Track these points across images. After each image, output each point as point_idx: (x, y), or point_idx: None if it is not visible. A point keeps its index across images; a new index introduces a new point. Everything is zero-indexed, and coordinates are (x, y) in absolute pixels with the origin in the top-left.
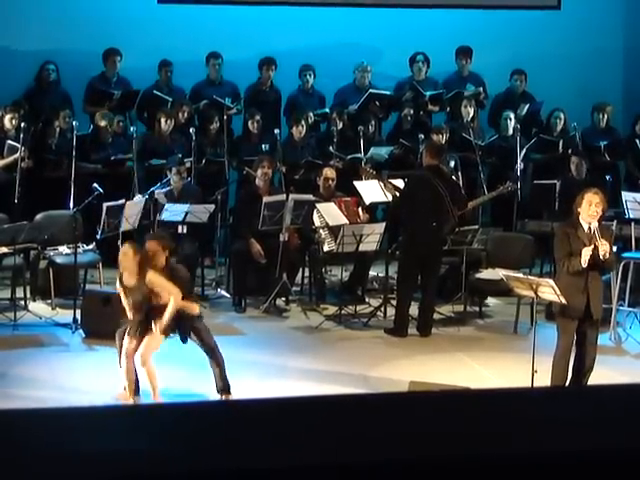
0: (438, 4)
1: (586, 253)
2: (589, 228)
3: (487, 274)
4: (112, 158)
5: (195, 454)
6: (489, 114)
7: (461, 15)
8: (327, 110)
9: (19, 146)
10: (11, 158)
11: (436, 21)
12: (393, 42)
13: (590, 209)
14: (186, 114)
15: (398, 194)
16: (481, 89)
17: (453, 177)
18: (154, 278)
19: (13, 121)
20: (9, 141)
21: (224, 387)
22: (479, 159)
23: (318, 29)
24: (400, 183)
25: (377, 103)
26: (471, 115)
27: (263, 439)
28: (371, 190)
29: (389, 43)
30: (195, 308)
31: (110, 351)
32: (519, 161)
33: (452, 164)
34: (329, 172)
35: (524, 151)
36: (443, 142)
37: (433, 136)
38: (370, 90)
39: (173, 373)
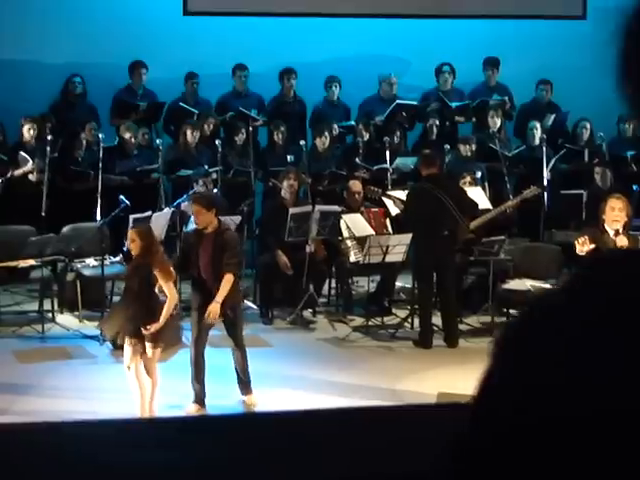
0: (463, 14)
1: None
2: (615, 234)
3: (514, 285)
4: (138, 169)
5: (226, 467)
6: (515, 124)
7: (486, 25)
8: (353, 122)
9: (29, 159)
10: (20, 170)
11: (461, 31)
12: (419, 52)
13: (613, 214)
14: (212, 126)
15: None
16: (506, 99)
17: (476, 188)
18: (160, 272)
19: (31, 131)
20: (21, 152)
21: (247, 384)
22: (506, 169)
23: (344, 40)
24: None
25: (403, 114)
26: (498, 125)
27: (292, 450)
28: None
29: (415, 54)
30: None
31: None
32: (546, 171)
33: (479, 174)
34: (355, 185)
35: (552, 161)
36: (470, 153)
37: (460, 146)
38: (397, 101)
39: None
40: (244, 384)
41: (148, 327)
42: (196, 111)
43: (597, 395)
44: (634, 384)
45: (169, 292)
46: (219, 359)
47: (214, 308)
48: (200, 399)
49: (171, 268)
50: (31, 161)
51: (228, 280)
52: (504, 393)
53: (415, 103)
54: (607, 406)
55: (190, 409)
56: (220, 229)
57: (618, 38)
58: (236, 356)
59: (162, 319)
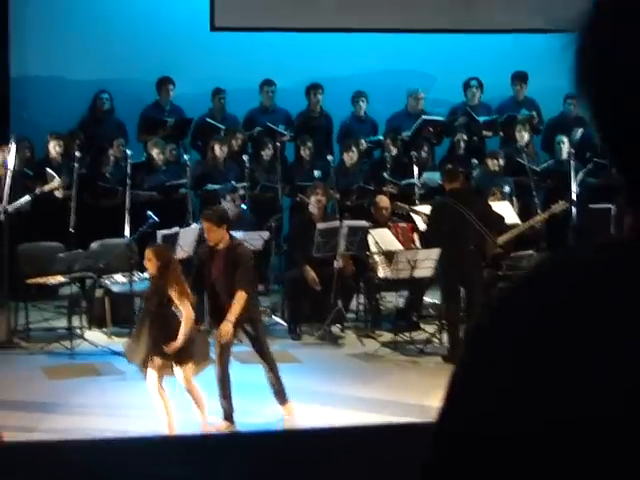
0: (490, 29)
1: None
2: None
3: None
4: (167, 184)
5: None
6: (543, 138)
7: (514, 39)
8: (380, 137)
9: (55, 175)
10: (47, 187)
11: (489, 46)
12: (446, 67)
13: None
14: (240, 141)
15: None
16: (534, 113)
17: (503, 202)
18: (175, 292)
19: (57, 148)
20: (47, 169)
21: (282, 394)
22: (534, 184)
23: (371, 55)
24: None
25: (430, 129)
26: (525, 140)
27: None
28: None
29: (442, 68)
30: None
31: (171, 381)
32: (574, 185)
33: (507, 189)
34: (382, 200)
35: (579, 175)
36: (498, 167)
37: (488, 161)
38: (423, 116)
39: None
40: (279, 394)
41: (169, 346)
42: (223, 127)
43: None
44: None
45: (185, 311)
46: (248, 375)
47: (225, 327)
48: (229, 415)
49: (187, 287)
50: (57, 178)
51: (240, 297)
52: (473, 401)
53: (441, 119)
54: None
55: (220, 426)
56: (232, 245)
57: (571, 54)
58: (266, 370)
59: (180, 337)
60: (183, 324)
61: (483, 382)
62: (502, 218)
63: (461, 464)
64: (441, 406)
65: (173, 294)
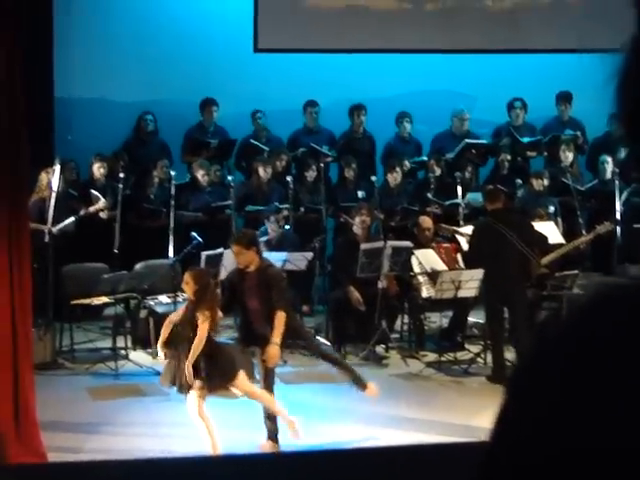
0: (534, 49)
1: None
2: None
3: None
4: (212, 205)
5: None
6: (587, 158)
7: (557, 59)
8: (425, 158)
9: (100, 196)
10: (93, 208)
11: (533, 66)
12: (489, 88)
13: None
14: (284, 162)
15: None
16: (579, 133)
17: (547, 222)
18: (202, 315)
19: (101, 170)
20: (92, 190)
21: (360, 380)
22: (578, 204)
23: (413, 76)
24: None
25: (473, 151)
26: (570, 159)
27: None
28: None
29: (486, 88)
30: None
31: (211, 400)
32: (618, 205)
33: (552, 209)
34: (425, 220)
35: (624, 195)
36: (543, 187)
37: (533, 181)
38: (466, 140)
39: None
40: (358, 382)
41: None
42: (267, 148)
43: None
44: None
45: (200, 331)
46: (292, 395)
47: (273, 350)
48: (273, 436)
49: (217, 314)
50: (102, 199)
51: (281, 317)
52: (518, 428)
53: (484, 142)
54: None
55: (264, 446)
56: (262, 266)
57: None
58: (336, 368)
59: (190, 358)
60: (194, 346)
61: (529, 412)
62: (545, 238)
63: None
64: (491, 430)
65: (200, 314)
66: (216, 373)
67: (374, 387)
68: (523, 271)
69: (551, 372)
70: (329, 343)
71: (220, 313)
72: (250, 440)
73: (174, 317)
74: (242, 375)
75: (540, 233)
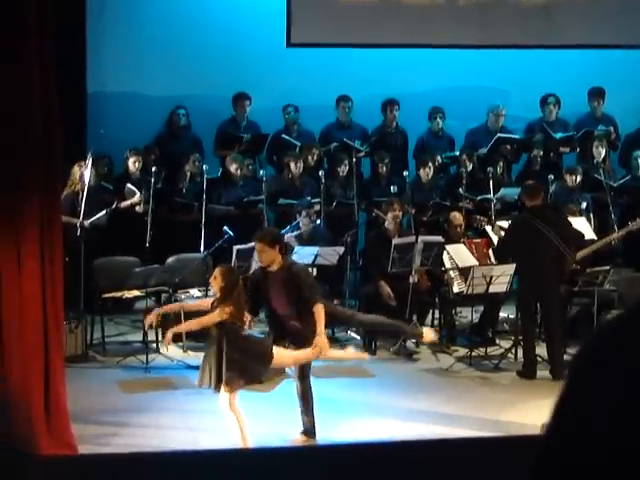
0: (567, 44)
1: None
2: None
3: None
4: (244, 200)
5: None
6: (620, 154)
7: (591, 55)
8: (457, 153)
9: (136, 190)
10: (128, 202)
11: (565, 61)
12: (522, 83)
13: None
14: (315, 156)
15: (503, 234)
16: (612, 129)
17: (578, 218)
18: (220, 309)
19: (137, 164)
20: (128, 184)
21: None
22: (610, 199)
23: (447, 71)
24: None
25: (507, 146)
26: (602, 155)
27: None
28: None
29: (518, 84)
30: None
31: (242, 393)
32: None
33: (584, 205)
34: (456, 217)
35: None
36: (576, 183)
37: (566, 177)
38: (498, 134)
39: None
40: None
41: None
42: (298, 143)
43: None
44: None
45: (211, 317)
46: (322, 389)
47: (321, 341)
48: (309, 430)
49: (238, 313)
50: (138, 193)
51: (320, 311)
52: (576, 420)
53: (517, 137)
54: None
55: (297, 439)
56: (285, 265)
57: None
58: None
59: (186, 325)
60: (200, 320)
61: (590, 405)
62: (582, 235)
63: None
64: (548, 424)
65: (219, 309)
66: (252, 361)
67: (429, 332)
68: (558, 268)
69: (614, 366)
70: (360, 337)
71: (248, 315)
72: (281, 434)
73: (190, 305)
74: (277, 351)
75: (577, 230)
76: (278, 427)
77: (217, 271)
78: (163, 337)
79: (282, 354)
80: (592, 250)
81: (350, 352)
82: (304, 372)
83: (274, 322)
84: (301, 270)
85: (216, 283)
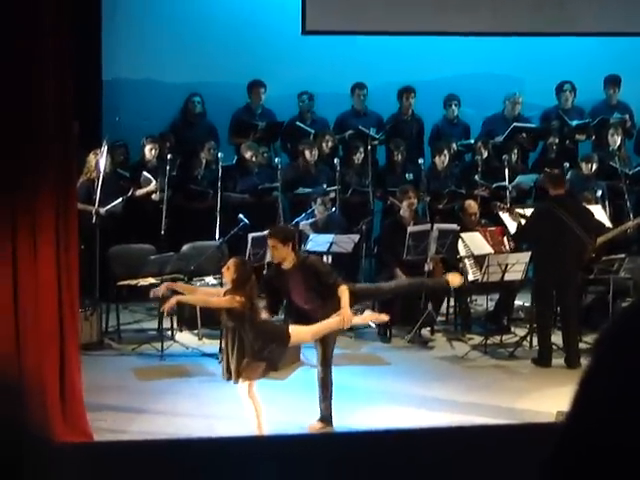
0: (583, 32)
1: None
2: None
3: None
4: (259, 187)
5: None
6: (635, 142)
7: (606, 42)
8: (472, 141)
9: (152, 178)
10: (144, 190)
11: (581, 49)
12: (537, 71)
13: None
14: (330, 144)
15: (523, 222)
16: (627, 117)
17: (595, 206)
18: (231, 295)
19: (153, 151)
20: (144, 173)
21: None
22: (626, 187)
23: (463, 59)
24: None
25: (523, 135)
26: (618, 143)
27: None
28: (513, 221)
29: (533, 72)
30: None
31: (259, 381)
32: None
33: (599, 193)
34: (471, 205)
35: None
36: (592, 171)
37: (582, 164)
38: (514, 124)
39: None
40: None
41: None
42: (312, 130)
43: None
44: None
45: (222, 301)
46: (337, 377)
47: (346, 313)
48: (327, 417)
49: (238, 300)
50: (154, 181)
51: (344, 290)
52: (600, 404)
53: (532, 125)
54: None
55: (314, 426)
56: (299, 260)
57: None
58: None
59: (188, 298)
60: (211, 300)
61: (613, 389)
62: (603, 225)
63: (588, 465)
64: (570, 410)
65: (229, 294)
66: (270, 345)
67: (454, 277)
68: (578, 258)
69: (636, 350)
70: (375, 326)
71: (265, 314)
72: (297, 422)
73: (203, 290)
74: (294, 329)
75: (599, 221)
76: (295, 415)
77: (231, 262)
78: (178, 324)
79: (299, 331)
80: (607, 238)
81: (368, 315)
82: (326, 358)
83: (296, 316)
84: (315, 260)
85: (229, 274)
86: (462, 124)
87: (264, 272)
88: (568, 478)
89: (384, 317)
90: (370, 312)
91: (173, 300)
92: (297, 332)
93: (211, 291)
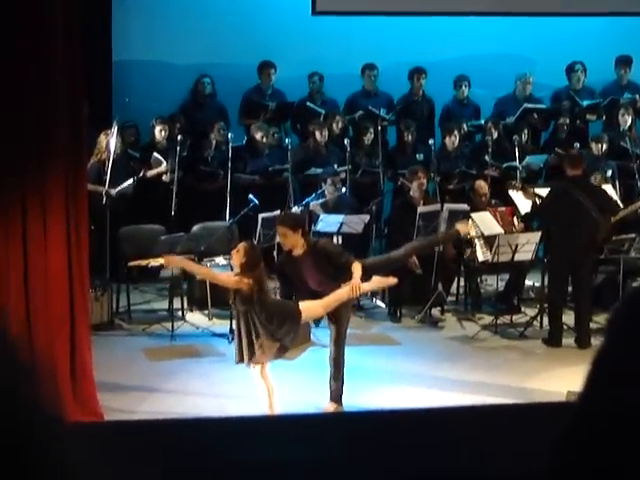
0: (595, 12)
1: None
2: None
3: None
4: (270, 169)
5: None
6: None
7: (615, 22)
8: (482, 122)
9: (162, 160)
10: (154, 171)
11: (592, 29)
12: (548, 51)
13: None
14: (340, 124)
15: (539, 201)
16: (638, 97)
17: (608, 186)
18: (240, 277)
19: (163, 132)
20: (155, 154)
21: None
22: (636, 167)
23: (475, 39)
24: (545, 193)
25: (535, 115)
26: (628, 123)
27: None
28: (526, 199)
29: (544, 52)
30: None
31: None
32: None
33: (609, 173)
34: (481, 186)
35: None
36: (602, 151)
37: (592, 145)
38: (525, 105)
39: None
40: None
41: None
42: (322, 111)
43: None
44: None
45: (229, 280)
46: (347, 357)
47: (356, 282)
48: (338, 397)
49: (246, 282)
50: (165, 162)
51: (357, 265)
52: (615, 377)
53: (543, 106)
54: None
55: (327, 407)
56: (310, 245)
57: None
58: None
59: (200, 270)
60: (218, 279)
61: (627, 368)
62: (619, 206)
63: (601, 443)
64: (583, 389)
65: (239, 276)
66: (282, 324)
67: (462, 225)
68: (593, 239)
69: None
70: (385, 305)
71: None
72: (309, 402)
73: (214, 274)
74: (304, 305)
75: (615, 202)
76: (306, 394)
77: (241, 245)
78: (189, 305)
79: (310, 306)
80: (618, 218)
81: (376, 280)
82: (340, 337)
83: (311, 299)
84: (325, 243)
85: (238, 257)
86: (472, 105)
87: (274, 253)
88: (580, 457)
89: (392, 280)
90: (377, 277)
91: (177, 258)
92: (308, 307)
93: (221, 275)
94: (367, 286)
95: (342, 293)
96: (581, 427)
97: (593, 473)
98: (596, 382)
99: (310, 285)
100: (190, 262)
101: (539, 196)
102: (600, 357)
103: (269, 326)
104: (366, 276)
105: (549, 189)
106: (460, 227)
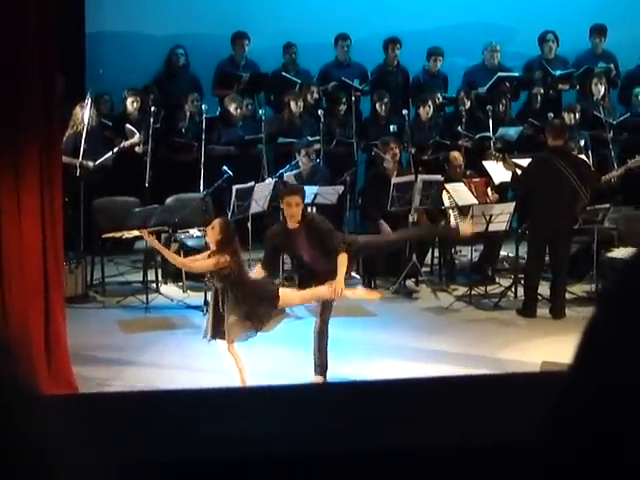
0: None
1: None
2: None
3: (618, 253)
4: (245, 138)
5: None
6: (620, 91)
7: None
8: (453, 95)
9: (135, 131)
10: (127, 143)
11: None
12: (525, 20)
13: None
14: (315, 95)
15: (519, 172)
16: (612, 66)
17: (582, 156)
18: (215, 256)
19: (135, 104)
20: (127, 125)
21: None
22: (610, 137)
23: (448, 8)
24: (525, 163)
25: (507, 84)
26: (602, 93)
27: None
28: (500, 170)
29: (521, 21)
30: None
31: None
32: None
33: (582, 142)
34: (456, 157)
35: None
36: (574, 121)
37: (565, 115)
38: (499, 74)
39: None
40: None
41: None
42: (298, 81)
43: None
44: None
45: (206, 263)
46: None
47: (339, 283)
48: (322, 370)
49: (223, 260)
50: (138, 133)
51: (343, 259)
52: (607, 348)
53: (517, 74)
54: None
55: (315, 381)
56: (307, 220)
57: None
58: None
59: (169, 255)
60: (194, 264)
61: (618, 340)
62: (597, 177)
63: (591, 418)
64: (574, 362)
65: (216, 255)
66: (257, 305)
67: (466, 226)
68: (572, 210)
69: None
70: (359, 276)
71: (261, 271)
72: (295, 376)
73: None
74: (283, 291)
75: (594, 172)
76: (287, 367)
77: (215, 222)
78: (163, 277)
79: (288, 294)
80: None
81: (360, 291)
82: (326, 310)
83: (306, 270)
84: (321, 221)
85: (213, 234)
86: (442, 75)
87: (248, 224)
88: (575, 431)
89: (377, 294)
90: (363, 288)
91: (152, 237)
92: (286, 295)
93: (196, 259)
94: (349, 293)
95: (323, 292)
96: (573, 400)
97: (590, 444)
98: (587, 354)
99: (305, 259)
100: (166, 250)
101: (519, 166)
102: (591, 328)
103: (243, 306)
104: (357, 255)
105: (530, 159)
106: (463, 228)
